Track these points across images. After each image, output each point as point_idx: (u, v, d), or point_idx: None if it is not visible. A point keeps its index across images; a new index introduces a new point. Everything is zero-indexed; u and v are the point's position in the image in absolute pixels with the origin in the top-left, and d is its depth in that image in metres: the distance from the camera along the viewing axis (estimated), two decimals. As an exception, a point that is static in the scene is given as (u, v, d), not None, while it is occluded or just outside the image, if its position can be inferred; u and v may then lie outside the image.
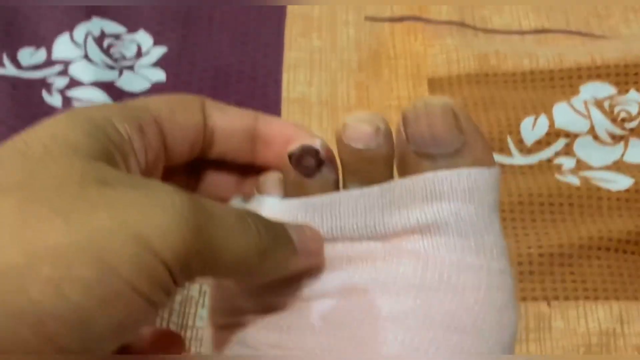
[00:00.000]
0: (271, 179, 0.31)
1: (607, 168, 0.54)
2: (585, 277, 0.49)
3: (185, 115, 0.30)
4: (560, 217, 0.51)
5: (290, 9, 0.63)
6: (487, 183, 0.29)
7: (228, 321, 0.31)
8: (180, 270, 0.23)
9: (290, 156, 0.30)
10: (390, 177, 0.30)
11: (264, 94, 0.57)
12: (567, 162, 0.54)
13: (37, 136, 0.24)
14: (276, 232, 0.28)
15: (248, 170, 0.33)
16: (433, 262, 0.28)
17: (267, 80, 0.58)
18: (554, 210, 0.52)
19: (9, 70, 0.56)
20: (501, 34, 0.64)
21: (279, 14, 0.63)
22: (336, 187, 0.31)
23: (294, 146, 0.30)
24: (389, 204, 0.29)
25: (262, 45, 0.61)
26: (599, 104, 0.56)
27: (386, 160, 0.30)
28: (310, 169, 0.30)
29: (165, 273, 0.22)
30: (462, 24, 0.63)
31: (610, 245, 0.50)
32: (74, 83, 0.55)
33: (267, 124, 0.32)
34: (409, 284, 0.28)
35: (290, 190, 0.31)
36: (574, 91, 0.58)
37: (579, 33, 0.64)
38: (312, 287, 0.29)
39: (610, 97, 0.57)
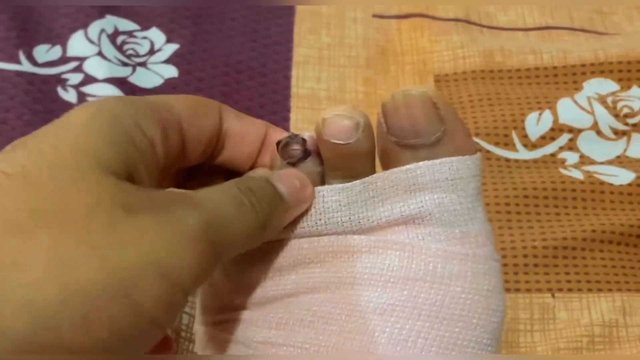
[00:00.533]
0: (259, 172, 0.31)
1: (610, 162, 0.54)
2: (589, 270, 0.49)
3: (205, 118, 0.30)
4: (564, 210, 0.52)
5: (299, 7, 0.63)
6: (469, 171, 0.29)
7: (218, 318, 0.31)
8: (197, 285, 0.24)
9: (277, 143, 0.30)
10: (372, 170, 0.30)
11: (273, 90, 0.58)
12: (571, 157, 0.55)
13: (66, 144, 0.24)
14: (269, 198, 0.28)
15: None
16: (418, 253, 0.28)
17: (277, 77, 0.59)
18: (558, 204, 0.52)
19: (25, 66, 0.56)
20: (506, 30, 0.64)
21: (289, 11, 0.63)
22: (321, 181, 0.30)
23: (282, 135, 0.30)
24: (371, 197, 0.29)
25: (272, 42, 0.61)
26: (602, 99, 0.57)
27: (367, 154, 0.29)
28: (295, 156, 0.30)
29: (183, 299, 0.23)
30: (467, 21, 0.64)
31: (613, 238, 0.50)
32: (88, 79, 0.56)
33: (276, 134, 0.32)
34: (396, 276, 0.28)
35: None
36: (578, 87, 0.58)
37: (582, 30, 0.64)
38: (300, 283, 0.29)
39: (613, 93, 0.57)
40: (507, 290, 0.48)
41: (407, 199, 0.28)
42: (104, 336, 0.21)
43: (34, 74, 0.55)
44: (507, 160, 0.54)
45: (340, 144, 0.28)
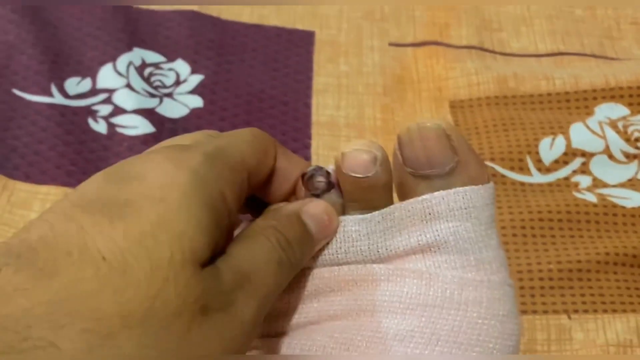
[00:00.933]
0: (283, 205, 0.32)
1: (622, 185, 0.55)
2: (604, 291, 0.50)
3: (267, 162, 0.30)
4: (578, 233, 0.53)
5: (319, 36, 0.65)
6: (482, 200, 0.29)
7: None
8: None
9: (303, 175, 0.31)
10: (390, 201, 0.30)
11: (295, 118, 0.59)
12: (584, 180, 0.56)
13: (164, 230, 0.24)
14: (302, 243, 0.29)
15: None
16: (435, 280, 0.29)
17: (297, 105, 0.60)
18: (573, 226, 0.53)
19: (57, 99, 0.57)
20: (519, 57, 0.65)
21: (308, 40, 0.65)
22: (342, 212, 0.31)
23: (308, 167, 0.31)
24: (389, 227, 0.30)
25: (292, 71, 0.63)
26: (613, 124, 0.58)
27: (385, 186, 0.30)
28: (320, 188, 0.31)
29: None
30: (481, 48, 0.65)
31: (626, 260, 0.51)
32: (117, 111, 0.57)
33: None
34: (414, 303, 0.28)
35: None
36: (589, 112, 0.59)
37: (593, 55, 0.65)
38: (322, 310, 0.30)
39: (624, 118, 0.58)
40: (524, 312, 0.49)
41: (424, 228, 0.29)
42: None
43: (65, 106, 0.57)
44: (522, 184, 0.55)
45: (359, 177, 0.29)
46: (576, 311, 0.49)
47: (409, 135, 0.29)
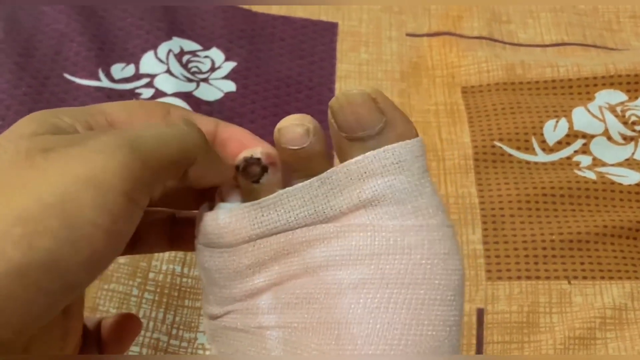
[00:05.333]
0: (228, 187, 0.32)
1: (620, 164, 0.56)
2: (601, 260, 0.51)
3: (144, 120, 0.30)
4: (578, 207, 0.54)
5: (341, 27, 0.66)
6: (411, 153, 0.29)
7: (219, 311, 0.33)
8: (137, 188, 0.25)
9: (237, 167, 0.31)
10: (327, 167, 0.30)
11: (319, 101, 0.61)
12: (585, 160, 0.57)
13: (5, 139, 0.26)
14: (197, 129, 0.29)
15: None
16: (379, 231, 0.29)
17: (322, 89, 0.62)
18: (573, 201, 0.54)
19: (104, 82, 0.59)
20: (525, 47, 0.66)
21: (331, 31, 0.66)
22: (283, 185, 0.31)
23: (238, 158, 0.31)
24: (330, 189, 0.30)
25: (317, 59, 0.64)
26: (612, 109, 0.59)
27: (321, 154, 0.30)
28: (255, 176, 0.31)
29: (125, 201, 0.24)
30: (491, 39, 0.66)
31: (623, 232, 0.52)
32: (158, 94, 0.58)
33: (225, 130, 0.33)
34: (362, 254, 0.29)
35: (245, 195, 0.32)
36: (590, 97, 0.60)
37: (594, 46, 0.66)
38: (282, 272, 0.31)
39: (622, 103, 0.59)
40: (528, 277, 0.51)
41: (362, 186, 0.29)
42: (47, 246, 0.22)
43: (111, 89, 0.59)
44: (528, 162, 0.56)
45: (296, 149, 0.30)
46: (576, 277, 0.50)
47: (338, 103, 0.29)
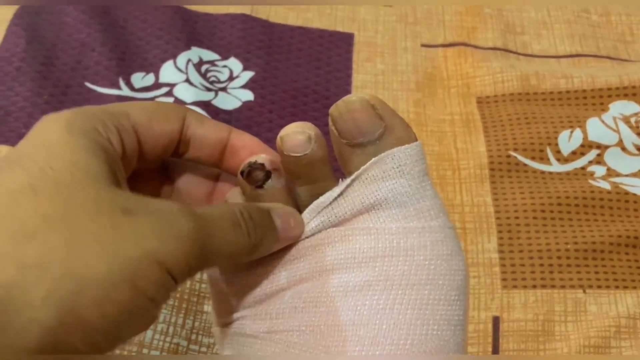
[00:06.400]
0: (236, 193, 0.33)
1: (634, 175, 0.56)
2: (616, 269, 0.51)
3: (163, 124, 0.31)
4: (593, 217, 0.54)
5: (357, 38, 0.67)
6: (411, 157, 0.30)
7: (229, 319, 0.33)
8: (185, 277, 0.26)
9: (241, 173, 0.31)
10: (328, 173, 0.31)
11: (336, 111, 0.61)
12: (599, 170, 0.57)
13: (59, 162, 0.25)
14: (264, 228, 0.29)
15: (218, 175, 0.35)
16: (382, 233, 0.30)
17: (338, 99, 0.61)
18: (588, 211, 0.54)
19: (125, 91, 0.59)
20: (540, 58, 0.66)
21: (347, 42, 0.66)
22: (287, 192, 0.32)
23: (243, 164, 0.31)
24: (336, 201, 0.31)
25: (334, 69, 0.64)
26: (626, 119, 0.59)
27: (322, 161, 0.31)
28: (259, 181, 0.31)
29: (174, 284, 0.25)
30: (505, 50, 0.66)
31: (637, 242, 0.52)
32: (178, 102, 0.59)
33: (238, 137, 0.33)
34: (366, 257, 0.29)
35: (249, 201, 0.32)
36: (604, 108, 0.60)
37: (608, 57, 0.66)
38: (290, 277, 0.31)
39: (636, 114, 0.59)
40: (544, 286, 0.51)
41: (364, 192, 0.30)
42: (114, 316, 0.23)
43: (132, 98, 0.59)
44: (542, 172, 0.57)
45: (298, 156, 0.30)
46: (591, 286, 0.51)
47: (338, 110, 0.29)
